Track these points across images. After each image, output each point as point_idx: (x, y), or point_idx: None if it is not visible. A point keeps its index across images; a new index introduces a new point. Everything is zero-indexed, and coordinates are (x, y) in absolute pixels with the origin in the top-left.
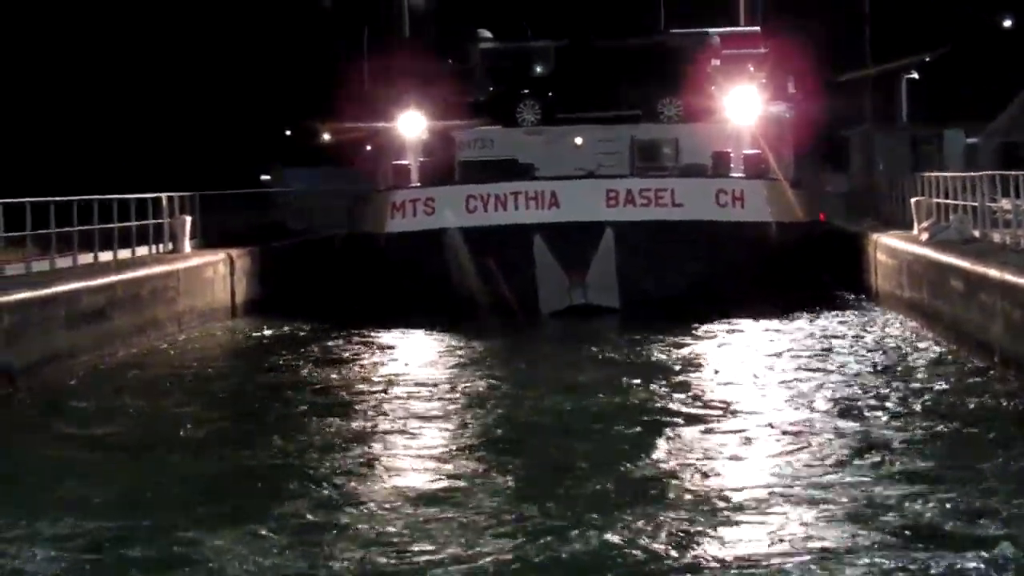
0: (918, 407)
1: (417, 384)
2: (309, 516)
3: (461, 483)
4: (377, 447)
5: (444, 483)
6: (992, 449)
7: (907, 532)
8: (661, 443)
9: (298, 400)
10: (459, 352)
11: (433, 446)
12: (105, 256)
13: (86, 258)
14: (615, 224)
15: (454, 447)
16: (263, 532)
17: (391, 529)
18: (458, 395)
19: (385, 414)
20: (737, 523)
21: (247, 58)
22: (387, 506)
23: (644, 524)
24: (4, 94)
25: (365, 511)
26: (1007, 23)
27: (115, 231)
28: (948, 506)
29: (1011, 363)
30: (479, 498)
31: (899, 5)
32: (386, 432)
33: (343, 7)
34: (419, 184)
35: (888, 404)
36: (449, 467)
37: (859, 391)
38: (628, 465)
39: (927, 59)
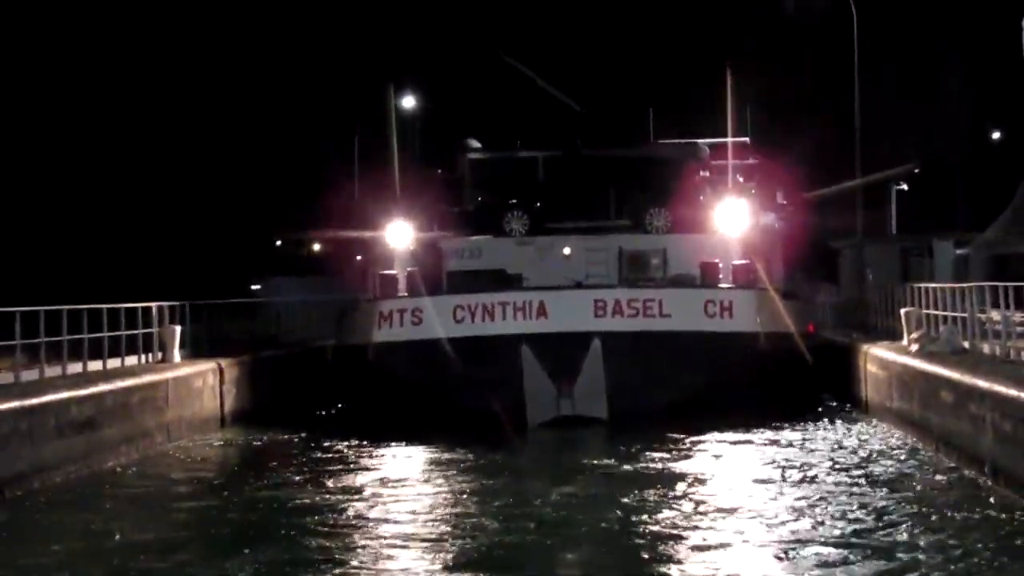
0: (909, 519)
1: (402, 500)
2: None
3: None
4: (361, 568)
5: None
6: (987, 562)
7: None
8: (648, 557)
9: (284, 517)
10: (446, 465)
11: (418, 566)
12: (95, 365)
13: (76, 367)
14: (603, 334)
15: (441, 566)
16: None
17: None
18: (444, 511)
19: (370, 533)
20: None
21: (237, 168)
22: None
23: None
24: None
25: None
26: (996, 135)
27: (105, 340)
28: None
29: (1001, 474)
30: None
31: (889, 117)
32: (371, 552)
33: (333, 116)
34: (407, 294)
35: (880, 516)
36: None
37: (849, 504)
38: None
39: (916, 170)
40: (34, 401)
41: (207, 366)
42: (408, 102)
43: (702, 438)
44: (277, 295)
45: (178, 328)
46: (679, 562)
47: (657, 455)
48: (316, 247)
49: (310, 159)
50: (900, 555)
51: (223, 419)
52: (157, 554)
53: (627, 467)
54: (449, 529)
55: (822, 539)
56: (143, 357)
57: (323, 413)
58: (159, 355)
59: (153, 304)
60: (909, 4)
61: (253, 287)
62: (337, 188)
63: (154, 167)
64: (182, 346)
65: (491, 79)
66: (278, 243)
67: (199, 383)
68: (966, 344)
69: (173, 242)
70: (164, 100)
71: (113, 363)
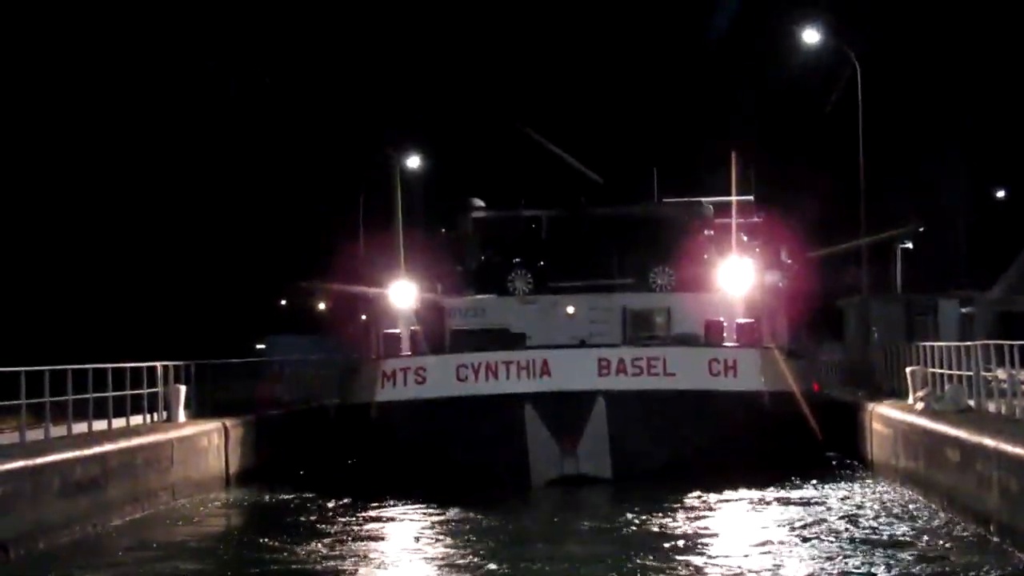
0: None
1: (406, 563)
2: None
3: None
4: None
5: None
6: None
7: None
8: None
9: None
10: (449, 527)
11: None
12: (99, 425)
13: (80, 427)
14: (607, 393)
15: None
16: None
17: None
18: (449, 570)
19: None
20: None
21: (243, 227)
22: None
23: None
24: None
25: None
26: (1000, 194)
27: (109, 400)
28: None
29: (1007, 533)
30: None
31: (894, 176)
32: None
33: (339, 176)
34: (410, 353)
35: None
36: None
37: (856, 564)
38: None
39: (921, 229)
40: (39, 461)
41: (212, 426)
42: (413, 162)
43: (706, 497)
44: (281, 353)
45: (183, 387)
46: None
47: (661, 515)
48: (320, 306)
49: (316, 218)
50: None
51: (228, 479)
52: None
53: (631, 528)
54: None
55: None
56: (148, 417)
57: (327, 473)
58: (164, 415)
59: (158, 364)
60: (914, 62)
61: (258, 346)
62: (342, 248)
63: (161, 225)
64: (187, 406)
65: (496, 140)
66: (283, 302)
67: (204, 443)
68: (971, 402)
69: (178, 300)
70: (171, 158)
71: (118, 423)
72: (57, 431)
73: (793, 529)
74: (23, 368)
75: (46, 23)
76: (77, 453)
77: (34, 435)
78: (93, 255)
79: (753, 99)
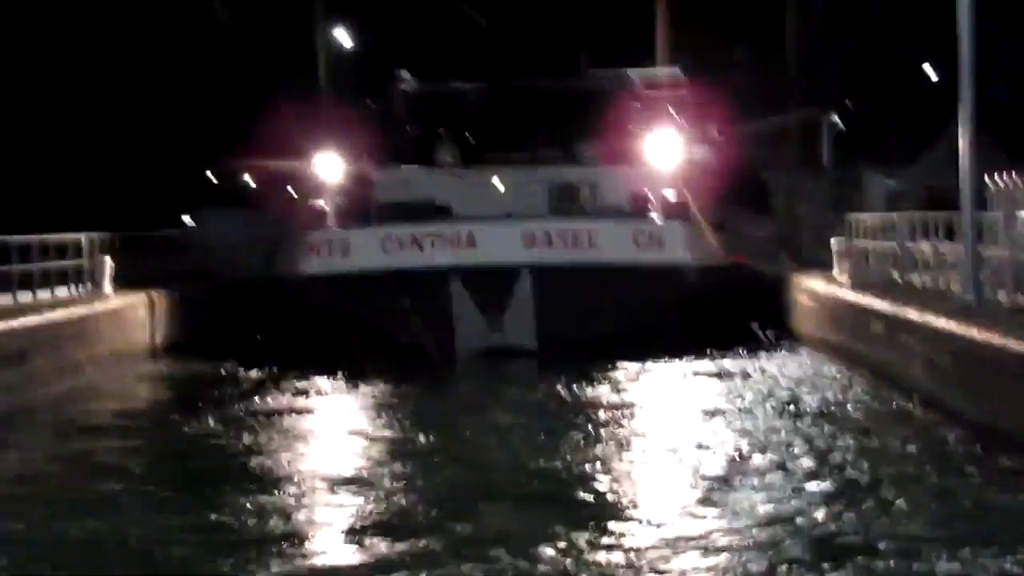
0: (844, 447)
1: (326, 438)
2: None
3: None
4: (296, 508)
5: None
6: (914, 479)
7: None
8: (577, 492)
9: (214, 446)
10: (374, 400)
11: (354, 505)
12: (25, 297)
13: (5, 299)
14: (533, 266)
15: (366, 505)
16: None
17: None
18: (371, 448)
19: (301, 469)
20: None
21: (170, 97)
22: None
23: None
24: None
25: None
26: (932, 73)
27: (35, 272)
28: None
29: (929, 405)
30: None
31: (824, 51)
32: (305, 490)
33: (268, 47)
34: (335, 226)
35: (814, 446)
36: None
37: (779, 436)
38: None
39: (849, 105)
40: None
41: (138, 298)
42: (340, 34)
43: (631, 369)
44: (209, 227)
45: (108, 259)
46: (614, 494)
47: (586, 386)
48: (247, 179)
49: (243, 91)
50: (835, 480)
51: (154, 351)
52: (80, 482)
53: (558, 400)
54: (375, 468)
55: (757, 469)
56: (73, 289)
57: (252, 346)
58: (90, 287)
59: (83, 235)
60: None
61: (185, 219)
62: (270, 121)
63: (84, 94)
64: (114, 279)
65: (424, 8)
66: (209, 174)
67: (131, 315)
68: (896, 275)
69: (103, 172)
70: (99, 21)
71: (43, 295)
72: None
73: (717, 399)
74: None
75: None
76: (2, 325)
77: None
78: (19, 120)
79: None
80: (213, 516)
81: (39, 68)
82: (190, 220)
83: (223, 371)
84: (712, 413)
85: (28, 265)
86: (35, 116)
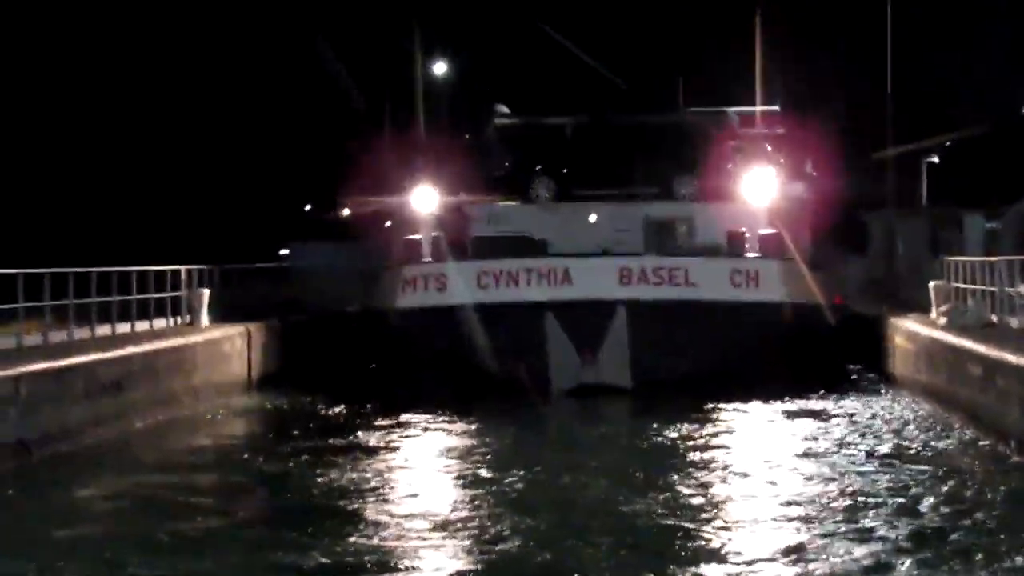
0: (936, 492)
1: (425, 473)
2: None
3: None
4: (386, 552)
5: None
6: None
7: None
8: (672, 537)
9: (309, 484)
10: (466, 436)
11: (446, 549)
12: (123, 328)
13: (104, 330)
14: (628, 302)
15: (458, 542)
16: None
17: None
18: (464, 484)
19: (392, 511)
20: None
21: (268, 132)
22: None
23: None
24: (32, 161)
25: None
26: None
27: (133, 303)
28: None
29: None
30: None
31: (922, 88)
32: (396, 532)
33: (364, 80)
34: (431, 259)
35: (907, 490)
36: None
37: (875, 478)
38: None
39: (948, 143)
40: (63, 363)
41: (235, 330)
42: (439, 68)
43: (725, 409)
44: (306, 260)
45: (206, 292)
46: (706, 538)
47: (680, 426)
48: (345, 212)
49: (343, 124)
50: (926, 525)
51: (250, 383)
52: (176, 517)
53: (648, 439)
54: (468, 510)
55: (850, 511)
56: (172, 320)
57: (348, 379)
58: (188, 318)
59: (182, 267)
60: None
61: (282, 252)
62: (368, 154)
63: (189, 132)
64: (210, 310)
65: (523, 46)
66: (307, 208)
67: (227, 347)
68: (994, 317)
69: (203, 207)
70: (199, 62)
71: (142, 326)
72: (80, 334)
73: (812, 442)
74: (49, 270)
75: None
76: (101, 355)
77: (58, 337)
78: (120, 158)
79: (784, 6)
80: (304, 557)
81: (150, 110)
82: (287, 252)
83: (318, 405)
84: (807, 455)
85: (127, 296)
86: (144, 153)
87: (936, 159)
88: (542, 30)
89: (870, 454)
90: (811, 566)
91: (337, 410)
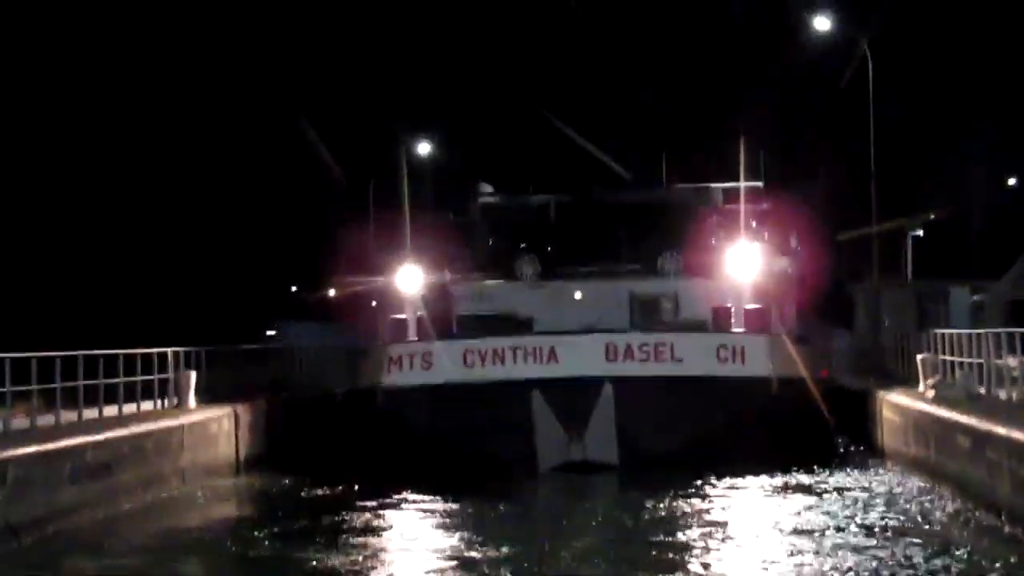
0: (932, 566)
1: (410, 552)
2: None
3: None
4: None
5: None
6: None
7: None
8: None
9: (295, 566)
10: (455, 515)
11: None
12: (110, 410)
13: (91, 413)
14: (614, 379)
15: None
16: None
17: None
18: (450, 564)
19: None
20: None
21: (254, 214)
22: None
23: None
24: (15, 242)
25: None
26: (1011, 181)
27: (120, 385)
28: None
29: (1018, 521)
30: None
31: (905, 163)
32: None
33: (347, 162)
34: (416, 338)
35: (903, 565)
36: None
37: (866, 553)
38: None
39: (932, 217)
40: (50, 446)
41: (222, 411)
42: (422, 148)
43: (714, 485)
44: (292, 340)
45: (193, 373)
46: None
47: (668, 503)
48: (331, 292)
49: (326, 205)
50: None
51: (238, 464)
52: None
53: (637, 516)
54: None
55: None
56: (158, 403)
57: (335, 459)
58: (175, 400)
59: (168, 349)
60: (925, 49)
61: (268, 332)
62: (352, 234)
63: (173, 212)
64: (197, 391)
65: (506, 125)
66: (293, 289)
67: (214, 428)
68: (982, 390)
69: (189, 288)
70: (182, 140)
71: (129, 408)
72: (68, 417)
73: (802, 517)
74: (34, 354)
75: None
76: (88, 439)
77: (45, 421)
78: (104, 241)
79: (764, 83)
80: None
81: (137, 194)
82: (273, 333)
83: (305, 486)
84: (796, 531)
85: (114, 379)
86: (131, 235)
87: (920, 233)
88: (543, 116)
89: (863, 528)
90: None
91: (324, 491)
